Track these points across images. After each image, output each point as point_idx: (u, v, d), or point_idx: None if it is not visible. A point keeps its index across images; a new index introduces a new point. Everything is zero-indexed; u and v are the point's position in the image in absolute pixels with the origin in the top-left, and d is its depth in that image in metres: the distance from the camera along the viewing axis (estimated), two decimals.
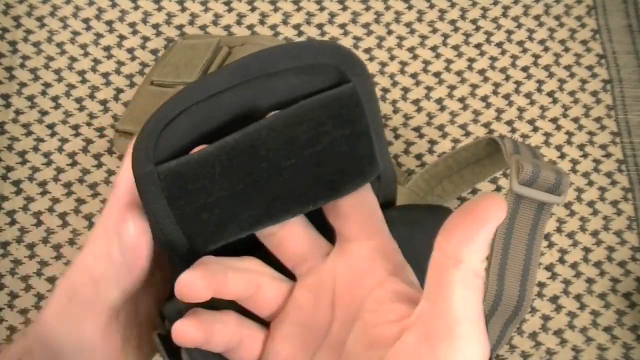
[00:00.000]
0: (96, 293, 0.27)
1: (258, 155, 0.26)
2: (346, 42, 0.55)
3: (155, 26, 0.55)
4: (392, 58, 0.55)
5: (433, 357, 0.21)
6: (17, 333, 0.46)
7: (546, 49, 0.56)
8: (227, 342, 0.26)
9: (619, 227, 0.51)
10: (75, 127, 0.51)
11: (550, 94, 0.54)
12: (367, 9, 0.56)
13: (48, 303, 0.27)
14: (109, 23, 0.55)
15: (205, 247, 0.26)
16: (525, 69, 0.55)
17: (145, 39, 0.55)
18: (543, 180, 0.31)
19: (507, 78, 0.55)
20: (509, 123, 0.53)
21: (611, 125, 0.53)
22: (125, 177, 0.28)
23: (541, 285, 0.49)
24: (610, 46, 0.56)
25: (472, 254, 0.21)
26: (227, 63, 0.49)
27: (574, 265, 0.50)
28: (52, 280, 0.47)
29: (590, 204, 0.51)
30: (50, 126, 0.51)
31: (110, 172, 0.50)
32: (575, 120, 0.54)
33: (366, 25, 0.56)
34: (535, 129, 0.53)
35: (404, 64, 0.55)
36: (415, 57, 0.55)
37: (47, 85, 0.53)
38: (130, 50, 0.54)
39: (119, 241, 0.26)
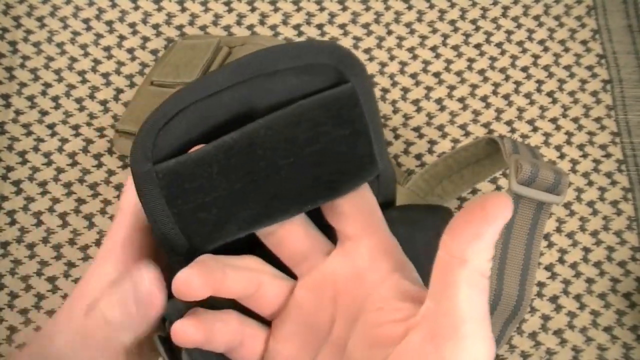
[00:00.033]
0: (111, 337, 0.27)
1: (256, 154, 0.26)
2: (346, 43, 0.55)
3: (155, 26, 0.55)
4: (392, 58, 0.55)
5: (439, 357, 0.21)
6: (17, 333, 0.46)
7: (546, 49, 0.56)
8: (228, 342, 0.26)
9: (619, 227, 0.51)
10: (76, 127, 0.52)
11: (550, 94, 0.54)
12: (367, 9, 0.56)
13: (60, 330, 0.27)
14: (109, 23, 0.55)
15: (204, 247, 0.26)
16: (525, 69, 0.55)
17: (145, 39, 0.55)
18: (542, 179, 0.31)
19: (507, 78, 0.55)
20: (509, 123, 0.53)
21: (611, 126, 0.53)
22: (130, 197, 0.28)
23: (541, 285, 0.49)
24: (610, 46, 0.56)
25: (478, 253, 0.21)
26: (226, 63, 0.49)
27: (573, 265, 0.50)
28: (52, 280, 0.47)
29: (590, 204, 0.51)
30: (51, 126, 0.51)
31: (111, 172, 0.50)
32: (575, 120, 0.54)
33: (366, 26, 0.56)
34: (535, 129, 0.53)
35: (403, 64, 0.55)
36: (415, 57, 0.55)
37: (47, 85, 0.53)
38: (131, 51, 0.54)
39: (134, 291, 0.27)
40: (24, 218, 0.49)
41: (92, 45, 0.54)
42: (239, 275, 0.26)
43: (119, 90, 0.53)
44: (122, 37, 0.54)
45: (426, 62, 0.55)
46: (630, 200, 0.51)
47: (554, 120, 0.54)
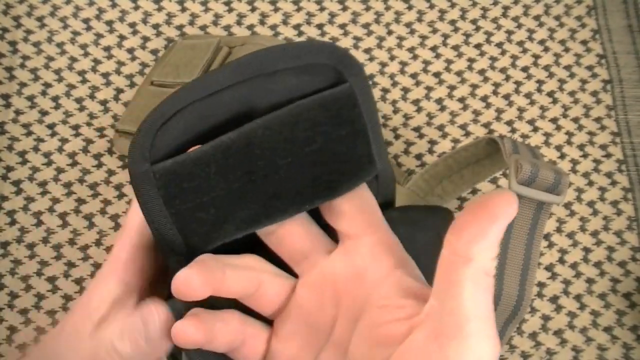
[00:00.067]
0: None
1: (254, 154, 0.26)
2: (346, 42, 0.55)
3: (156, 26, 0.55)
4: (392, 58, 0.55)
5: (443, 356, 0.21)
6: (17, 333, 0.46)
7: (546, 49, 0.56)
8: (230, 342, 0.26)
9: (619, 227, 0.51)
10: (76, 127, 0.52)
11: (550, 94, 0.54)
12: (367, 9, 0.56)
13: (68, 348, 0.27)
14: (109, 23, 0.55)
15: (203, 247, 0.26)
16: (525, 69, 0.55)
17: (146, 39, 0.55)
18: (542, 179, 0.31)
19: (507, 78, 0.55)
20: (509, 123, 0.53)
21: (611, 126, 0.53)
22: (135, 216, 0.28)
23: (541, 285, 0.49)
24: (610, 46, 0.56)
25: (482, 251, 0.21)
26: (226, 63, 0.49)
27: (574, 266, 0.50)
28: (52, 280, 0.47)
29: (590, 204, 0.51)
30: (51, 126, 0.51)
31: (111, 172, 0.50)
32: (575, 120, 0.54)
33: (366, 26, 0.56)
34: (535, 129, 0.53)
35: (404, 64, 0.55)
36: (415, 57, 0.55)
37: (47, 85, 0.53)
38: (131, 51, 0.54)
39: (144, 330, 0.27)
40: (24, 218, 0.49)
41: (92, 45, 0.54)
42: (239, 275, 0.26)
43: (119, 90, 0.53)
44: (122, 37, 0.54)
45: (426, 62, 0.55)
46: (630, 201, 0.51)
47: (554, 120, 0.53)
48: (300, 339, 0.26)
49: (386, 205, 0.29)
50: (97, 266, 0.48)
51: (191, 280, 0.24)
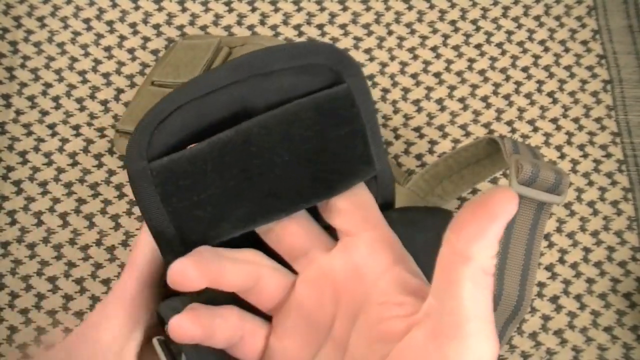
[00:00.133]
0: None
1: (250, 152, 0.26)
2: (346, 43, 0.55)
3: (156, 26, 0.55)
4: (393, 58, 0.55)
5: (442, 355, 0.21)
6: (17, 333, 0.46)
7: (546, 50, 0.56)
8: (228, 338, 0.26)
9: (619, 227, 0.51)
10: (76, 128, 0.52)
11: (551, 94, 0.54)
12: (368, 9, 0.56)
13: None
14: (110, 23, 0.55)
15: (200, 245, 0.26)
16: (525, 69, 0.55)
17: (146, 39, 0.55)
18: (542, 180, 0.31)
19: (507, 78, 0.55)
20: (509, 123, 0.53)
21: (611, 126, 0.53)
22: (143, 250, 0.28)
23: (541, 285, 0.49)
24: (610, 46, 0.56)
25: (482, 250, 0.20)
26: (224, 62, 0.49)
27: (574, 266, 0.50)
28: (52, 280, 0.47)
29: (591, 204, 0.51)
30: (51, 126, 0.51)
31: (111, 172, 0.50)
32: (576, 120, 0.54)
33: (366, 26, 0.56)
34: (536, 129, 0.53)
35: (404, 64, 0.55)
36: (415, 57, 0.55)
37: (47, 85, 0.53)
38: (131, 51, 0.54)
39: None
40: (24, 218, 0.49)
41: (93, 45, 0.54)
42: (238, 268, 0.26)
43: (120, 91, 0.53)
44: (122, 37, 0.55)
45: (426, 63, 0.55)
46: (630, 201, 0.51)
47: (554, 121, 0.54)
48: (300, 336, 0.26)
49: (386, 206, 0.29)
50: (97, 266, 0.48)
51: (186, 270, 0.24)
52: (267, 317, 0.28)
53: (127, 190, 0.50)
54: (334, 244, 0.27)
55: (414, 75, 0.54)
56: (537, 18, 0.57)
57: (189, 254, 0.25)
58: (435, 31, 0.56)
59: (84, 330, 0.28)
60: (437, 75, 0.55)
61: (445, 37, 0.56)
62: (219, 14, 0.56)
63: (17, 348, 0.46)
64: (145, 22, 0.55)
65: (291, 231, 0.27)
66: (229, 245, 0.27)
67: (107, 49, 0.54)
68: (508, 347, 0.48)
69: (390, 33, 0.56)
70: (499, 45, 0.56)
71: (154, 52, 0.54)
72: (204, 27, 0.55)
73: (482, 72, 0.55)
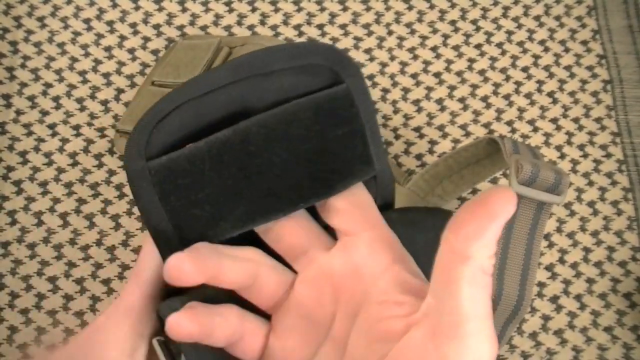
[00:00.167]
0: None
1: (249, 151, 0.26)
2: (347, 43, 0.55)
3: (156, 26, 0.55)
4: (393, 58, 0.55)
5: (441, 355, 0.21)
6: (17, 333, 0.46)
7: (546, 50, 0.56)
8: (228, 336, 0.26)
9: (619, 227, 0.51)
10: (76, 128, 0.52)
11: (551, 94, 0.54)
12: (368, 9, 0.56)
13: None
14: (110, 23, 0.55)
15: None
16: (525, 69, 0.55)
17: (146, 39, 0.55)
18: (542, 179, 0.31)
19: (507, 78, 0.55)
20: (509, 123, 0.53)
21: (611, 126, 0.53)
22: (148, 263, 0.28)
23: (541, 285, 0.49)
24: (610, 47, 0.56)
25: (480, 249, 0.20)
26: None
27: (574, 265, 0.50)
28: (52, 280, 0.47)
29: (591, 204, 0.51)
30: (51, 126, 0.51)
31: (111, 172, 0.50)
32: (576, 120, 0.54)
33: (366, 26, 0.56)
34: (536, 129, 0.53)
35: (404, 64, 0.55)
36: (415, 57, 0.55)
37: (47, 85, 0.53)
38: (131, 51, 0.54)
39: None
40: (24, 218, 0.49)
41: (93, 45, 0.54)
42: (237, 265, 0.26)
43: (120, 91, 0.53)
44: (122, 37, 0.55)
45: (427, 63, 0.55)
46: (630, 201, 0.51)
47: (554, 121, 0.54)
48: (299, 335, 0.26)
49: (385, 206, 0.29)
50: (97, 266, 0.48)
51: (183, 265, 0.24)
52: (267, 317, 0.28)
53: (128, 190, 0.50)
54: (333, 244, 0.27)
55: (414, 75, 0.54)
56: (537, 18, 0.57)
57: (186, 249, 0.25)
58: (435, 31, 0.56)
59: (87, 343, 0.27)
60: (437, 75, 0.55)
61: (445, 37, 0.56)
62: (219, 14, 0.56)
63: (17, 348, 0.46)
64: (145, 22, 0.55)
65: (290, 230, 0.27)
66: (228, 244, 0.27)
67: (108, 49, 0.54)
68: (508, 347, 0.48)
69: (390, 33, 0.56)
70: (499, 45, 0.56)
71: (154, 52, 0.54)
72: (204, 27, 0.55)
73: (482, 72, 0.55)
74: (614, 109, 0.54)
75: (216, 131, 0.26)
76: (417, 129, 0.53)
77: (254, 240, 0.27)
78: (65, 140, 0.51)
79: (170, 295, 0.27)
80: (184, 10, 0.56)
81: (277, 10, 0.56)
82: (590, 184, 0.52)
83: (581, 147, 0.53)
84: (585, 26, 0.56)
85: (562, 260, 0.50)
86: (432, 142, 0.53)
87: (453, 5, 0.57)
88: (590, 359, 0.48)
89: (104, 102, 0.52)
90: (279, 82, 0.26)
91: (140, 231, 0.49)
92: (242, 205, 0.26)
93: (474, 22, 0.56)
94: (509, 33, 0.56)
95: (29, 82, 0.53)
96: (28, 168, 0.50)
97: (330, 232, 0.28)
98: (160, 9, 0.56)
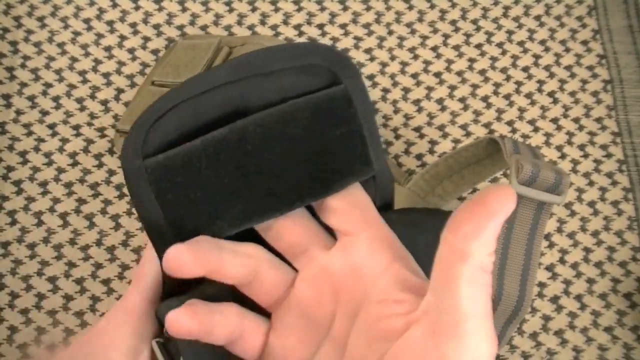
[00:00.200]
0: None
1: (246, 150, 0.26)
2: (347, 43, 0.55)
3: (156, 26, 0.55)
4: (393, 58, 0.55)
5: (440, 353, 0.21)
6: (17, 333, 0.46)
7: (547, 49, 0.56)
8: (228, 334, 0.26)
9: (620, 227, 0.51)
10: (76, 127, 0.52)
11: (551, 94, 0.54)
12: (368, 9, 0.56)
13: None
14: (110, 23, 0.55)
15: None
16: (525, 69, 0.55)
17: (146, 39, 0.55)
18: (543, 179, 0.31)
19: (508, 78, 0.55)
20: (510, 123, 0.53)
21: (612, 126, 0.53)
22: (150, 268, 0.28)
23: (541, 285, 0.49)
24: (611, 46, 0.56)
25: (479, 247, 0.20)
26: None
27: (574, 266, 0.50)
28: (52, 280, 0.47)
29: (591, 204, 0.51)
30: (51, 126, 0.51)
31: (111, 172, 0.50)
32: (576, 120, 0.54)
33: (367, 26, 0.56)
34: (536, 129, 0.53)
35: (404, 64, 0.55)
36: (415, 57, 0.55)
37: (47, 85, 0.53)
38: (131, 51, 0.54)
39: None
40: (24, 218, 0.49)
41: (93, 45, 0.54)
42: (238, 260, 0.26)
43: (120, 90, 0.53)
44: (122, 37, 0.55)
45: (427, 62, 0.55)
46: (630, 201, 0.51)
47: (554, 121, 0.53)
48: (299, 334, 0.26)
49: (384, 206, 0.29)
50: (97, 266, 0.48)
51: (181, 257, 0.24)
52: (267, 316, 0.28)
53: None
54: (333, 242, 0.27)
55: (414, 75, 0.54)
56: (537, 18, 0.56)
57: (187, 241, 0.25)
58: (435, 31, 0.56)
59: (89, 345, 0.27)
60: (437, 75, 0.54)
61: (446, 37, 0.56)
62: (219, 14, 0.56)
63: (17, 348, 0.46)
64: (145, 22, 0.55)
65: (290, 229, 0.27)
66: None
67: (107, 48, 0.54)
68: (508, 347, 0.48)
69: (390, 33, 0.56)
70: (500, 45, 0.56)
71: (154, 52, 0.54)
72: (204, 27, 0.55)
73: (482, 72, 0.55)
74: (614, 109, 0.54)
75: (213, 130, 0.26)
76: (418, 129, 0.53)
77: (253, 239, 0.27)
78: (65, 140, 0.51)
79: (169, 297, 0.27)
80: (184, 10, 0.56)
81: (277, 10, 0.56)
82: (591, 184, 0.52)
83: (581, 147, 0.53)
84: (586, 26, 0.56)
85: (562, 261, 0.50)
86: (433, 142, 0.53)
87: (453, 5, 0.57)
88: (590, 359, 0.48)
89: (104, 102, 0.52)
90: (277, 81, 0.26)
91: (140, 231, 0.49)
92: (238, 203, 0.26)
93: (474, 21, 0.56)
94: (510, 33, 0.56)
95: (29, 82, 0.53)
96: (28, 168, 0.50)
97: (331, 231, 0.28)
98: (160, 9, 0.56)
